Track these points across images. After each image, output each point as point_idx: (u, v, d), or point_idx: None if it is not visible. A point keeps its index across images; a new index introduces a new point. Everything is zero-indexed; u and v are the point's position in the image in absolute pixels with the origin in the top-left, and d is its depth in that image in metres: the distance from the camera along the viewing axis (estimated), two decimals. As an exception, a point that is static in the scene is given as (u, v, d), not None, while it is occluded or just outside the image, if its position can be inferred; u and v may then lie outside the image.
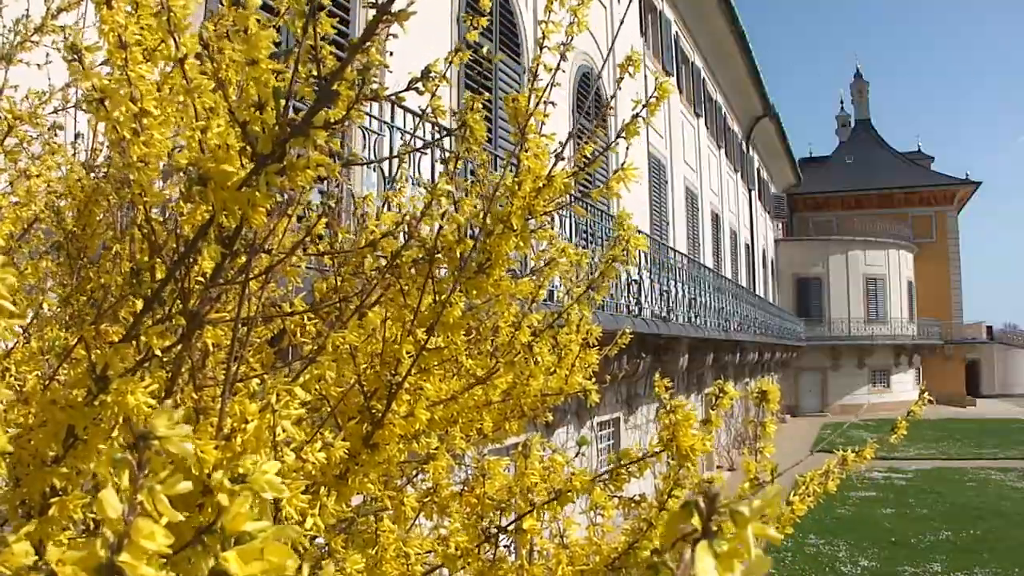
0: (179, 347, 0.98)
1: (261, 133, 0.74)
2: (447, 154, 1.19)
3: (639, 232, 1.39)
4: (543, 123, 1.17)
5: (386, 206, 1.38)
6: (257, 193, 0.75)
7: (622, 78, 1.25)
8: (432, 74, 0.82)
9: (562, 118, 9.62)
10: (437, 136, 4.56)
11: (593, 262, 1.44)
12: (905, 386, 31.80)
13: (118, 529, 0.36)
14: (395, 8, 0.75)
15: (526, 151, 1.09)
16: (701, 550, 0.34)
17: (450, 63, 1.17)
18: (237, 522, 0.41)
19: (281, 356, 1.29)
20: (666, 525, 0.36)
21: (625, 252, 1.32)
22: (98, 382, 0.90)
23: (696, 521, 0.34)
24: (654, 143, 14.99)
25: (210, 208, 0.80)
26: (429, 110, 1.14)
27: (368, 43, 0.72)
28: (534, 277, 1.36)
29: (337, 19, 0.85)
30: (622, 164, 1.17)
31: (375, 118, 4.80)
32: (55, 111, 1.57)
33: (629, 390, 10.78)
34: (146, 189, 0.86)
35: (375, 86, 0.77)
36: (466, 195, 1.23)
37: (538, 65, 1.15)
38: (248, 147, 0.76)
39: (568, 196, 1.12)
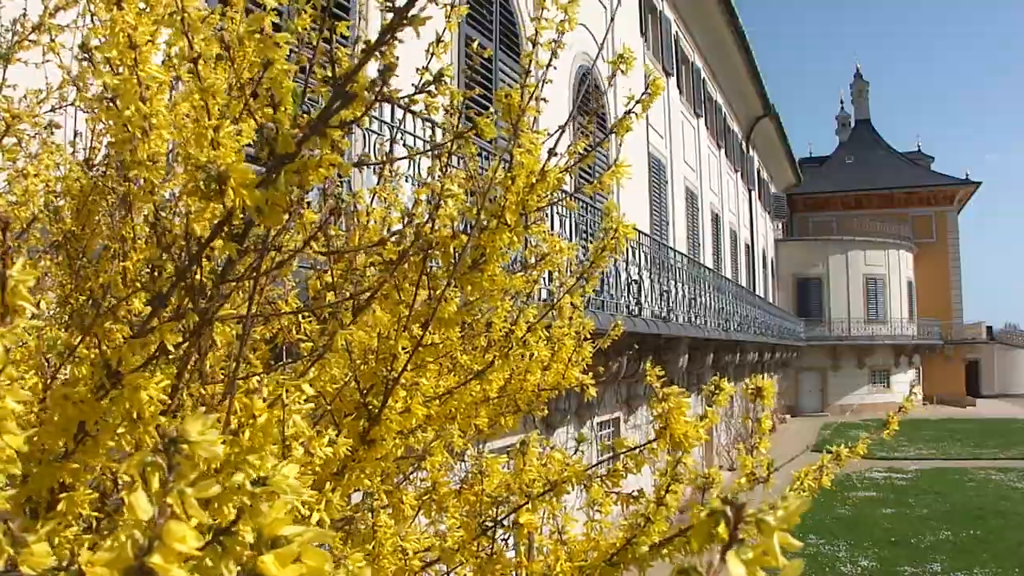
0: (187, 344, 0.99)
1: (277, 133, 0.75)
2: (449, 154, 1.20)
3: (637, 231, 1.40)
4: (535, 119, 1.18)
5: (374, 201, 1.39)
6: (276, 191, 0.76)
7: (613, 74, 1.26)
8: (445, 79, 0.83)
9: (562, 118, 9.58)
10: (440, 140, 4.59)
11: (587, 255, 1.45)
12: (905, 386, 31.76)
13: (147, 531, 0.37)
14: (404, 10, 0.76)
15: (519, 146, 1.10)
16: (732, 557, 0.37)
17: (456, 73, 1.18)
18: (275, 526, 0.41)
19: (275, 354, 1.30)
20: (695, 532, 0.40)
21: (615, 239, 1.32)
22: (110, 378, 0.91)
23: (723, 529, 0.38)
24: (654, 143, 14.98)
25: (224, 207, 0.82)
26: (442, 113, 1.15)
27: (384, 46, 0.73)
28: (527, 272, 1.36)
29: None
30: (614, 161, 1.18)
31: (376, 118, 4.81)
32: (52, 109, 1.57)
33: (629, 390, 10.79)
34: (156, 187, 0.88)
35: (387, 88, 0.78)
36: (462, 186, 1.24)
37: (530, 61, 1.16)
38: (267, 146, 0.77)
39: (569, 192, 1.13)
